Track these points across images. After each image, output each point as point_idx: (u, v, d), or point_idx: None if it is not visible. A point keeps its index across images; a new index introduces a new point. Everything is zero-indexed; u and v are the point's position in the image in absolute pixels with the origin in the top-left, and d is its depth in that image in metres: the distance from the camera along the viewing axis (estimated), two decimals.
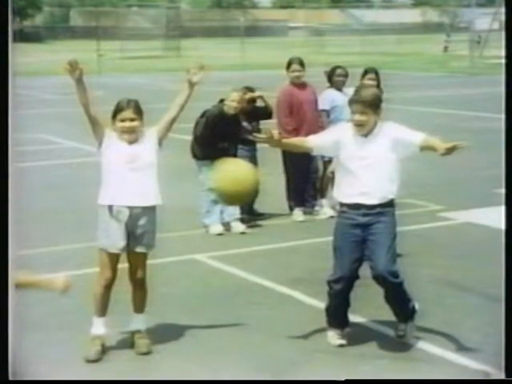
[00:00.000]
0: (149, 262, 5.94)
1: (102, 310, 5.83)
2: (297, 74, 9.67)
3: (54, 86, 25.93)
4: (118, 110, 5.75)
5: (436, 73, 34.40)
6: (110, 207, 5.74)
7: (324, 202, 9.84)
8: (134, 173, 5.73)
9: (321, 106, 9.76)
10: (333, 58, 30.66)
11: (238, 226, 9.15)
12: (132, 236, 5.78)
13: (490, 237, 8.55)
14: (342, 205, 5.83)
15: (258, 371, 5.51)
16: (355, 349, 5.85)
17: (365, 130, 5.72)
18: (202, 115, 9.07)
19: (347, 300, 5.89)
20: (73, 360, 5.67)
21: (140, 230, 5.78)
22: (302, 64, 9.73)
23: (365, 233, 5.70)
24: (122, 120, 5.73)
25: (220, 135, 8.87)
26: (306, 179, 9.80)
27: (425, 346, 5.88)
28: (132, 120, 5.73)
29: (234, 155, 8.87)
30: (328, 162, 9.03)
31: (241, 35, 42.99)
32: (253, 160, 9.13)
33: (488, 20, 39.88)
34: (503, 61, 4.62)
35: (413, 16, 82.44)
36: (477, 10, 41.57)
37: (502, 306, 4.54)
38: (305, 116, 9.59)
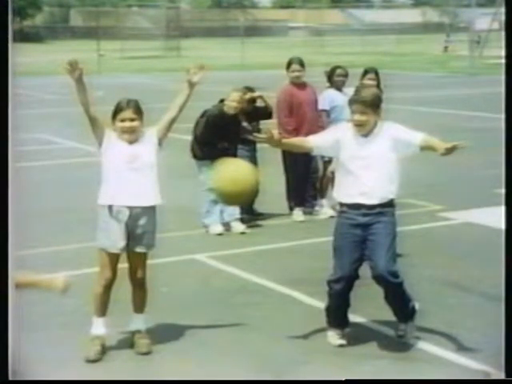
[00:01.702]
0: (149, 262, 5.94)
1: (102, 310, 5.83)
2: (297, 74, 9.67)
3: (53, 85, 25.93)
4: (117, 110, 5.75)
5: (436, 73, 34.41)
6: (110, 207, 5.73)
7: (324, 201, 9.84)
8: (133, 173, 5.73)
9: (321, 106, 9.76)
10: (333, 58, 30.68)
11: (238, 226, 9.15)
12: (132, 236, 5.77)
13: (490, 237, 8.55)
14: (341, 205, 5.83)
15: (258, 371, 5.50)
16: (355, 349, 5.85)
17: (365, 130, 5.72)
18: (202, 115, 9.07)
19: (347, 300, 5.89)
20: (73, 360, 5.67)
21: (140, 229, 5.77)
22: (301, 64, 9.73)
23: (365, 233, 5.70)
24: (122, 120, 5.73)
25: (220, 135, 8.87)
26: (306, 179, 9.80)
27: (425, 346, 5.88)
28: (132, 120, 5.73)
29: (234, 155, 8.86)
30: (328, 162, 9.02)
31: (241, 35, 43.01)
32: (253, 160, 9.13)
33: (488, 20, 39.88)
34: (503, 61, 4.62)
35: (413, 16, 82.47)
36: (477, 9, 41.53)
37: (502, 306, 4.54)
38: (305, 116, 9.59)
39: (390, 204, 5.75)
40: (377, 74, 9.14)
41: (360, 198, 5.69)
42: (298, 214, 9.71)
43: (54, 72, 26.86)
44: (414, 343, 5.90)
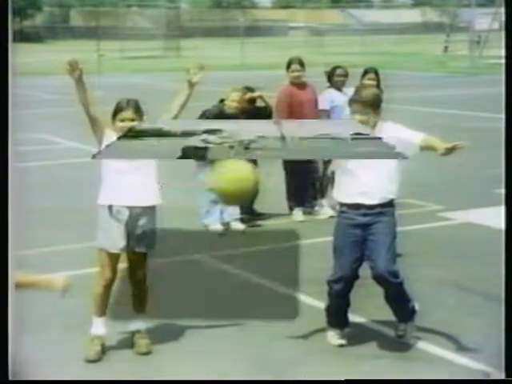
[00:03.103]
0: (149, 262, 5.94)
1: (102, 309, 5.83)
2: (297, 73, 9.67)
3: (54, 86, 25.91)
4: (117, 110, 5.75)
5: (436, 73, 34.41)
6: (110, 207, 5.73)
7: (324, 202, 9.84)
8: (133, 173, 5.72)
9: (321, 106, 9.76)
10: (333, 58, 30.64)
11: (238, 226, 9.15)
12: (132, 236, 5.77)
13: (490, 237, 8.55)
14: (341, 205, 5.83)
15: (258, 371, 5.51)
16: (355, 349, 5.85)
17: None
18: (202, 115, 9.07)
19: (347, 300, 5.90)
20: (73, 360, 5.68)
21: (140, 229, 5.77)
22: (301, 64, 9.74)
23: (365, 233, 5.70)
24: (122, 120, 5.73)
25: None
26: (306, 179, 9.80)
27: (425, 346, 5.88)
28: (132, 120, 5.73)
29: None
30: (328, 162, 9.01)
31: (241, 35, 43.05)
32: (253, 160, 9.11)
33: (488, 20, 39.92)
34: (503, 61, 4.62)
35: (413, 16, 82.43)
36: (477, 10, 41.58)
37: (502, 306, 4.54)
38: (305, 116, 9.58)
39: (389, 204, 5.75)
40: (377, 73, 9.14)
41: (360, 197, 5.69)
42: (298, 214, 9.71)
43: (53, 72, 26.85)
44: (413, 343, 5.90)
